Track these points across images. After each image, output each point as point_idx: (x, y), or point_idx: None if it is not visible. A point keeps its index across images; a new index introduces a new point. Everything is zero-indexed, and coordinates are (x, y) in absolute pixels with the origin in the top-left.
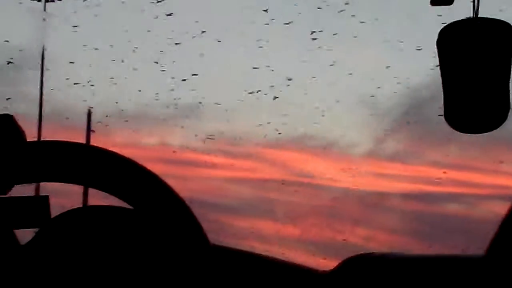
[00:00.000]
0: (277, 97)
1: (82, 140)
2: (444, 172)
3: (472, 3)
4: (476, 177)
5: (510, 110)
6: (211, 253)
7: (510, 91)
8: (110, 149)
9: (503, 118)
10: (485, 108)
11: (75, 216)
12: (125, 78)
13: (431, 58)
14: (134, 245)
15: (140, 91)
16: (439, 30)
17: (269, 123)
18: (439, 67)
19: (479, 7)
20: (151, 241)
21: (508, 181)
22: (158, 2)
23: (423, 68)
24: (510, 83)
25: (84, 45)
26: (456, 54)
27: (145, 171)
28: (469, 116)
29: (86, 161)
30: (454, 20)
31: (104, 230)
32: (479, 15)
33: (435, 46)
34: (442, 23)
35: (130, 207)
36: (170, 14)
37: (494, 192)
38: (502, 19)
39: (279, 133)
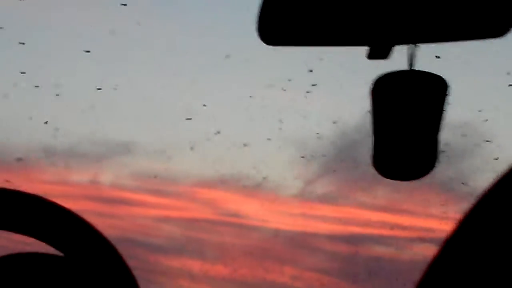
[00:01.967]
0: (208, 138)
1: None
2: (373, 214)
3: (407, 55)
4: (405, 219)
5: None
6: None
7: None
8: (40, 186)
9: (430, 167)
10: (413, 156)
11: (5, 264)
12: (56, 114)
13: (362, 101)
14: None
15: (68, 127)
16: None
17: (199, 162)
18: (371, 115)
19: (414, 59)
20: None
21: (436, 224)
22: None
23: (354, 110)
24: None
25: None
26: (389, 104)
27: (74, 216)
28: (397, 164)
29: (14, 208)
30: (389, 71)
31: (34, 278)
32: (413, 67)
33: (368, 92)
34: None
35: (61, 253)
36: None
37: (422, 234)
38: (436, 73)
39: (210, 172)
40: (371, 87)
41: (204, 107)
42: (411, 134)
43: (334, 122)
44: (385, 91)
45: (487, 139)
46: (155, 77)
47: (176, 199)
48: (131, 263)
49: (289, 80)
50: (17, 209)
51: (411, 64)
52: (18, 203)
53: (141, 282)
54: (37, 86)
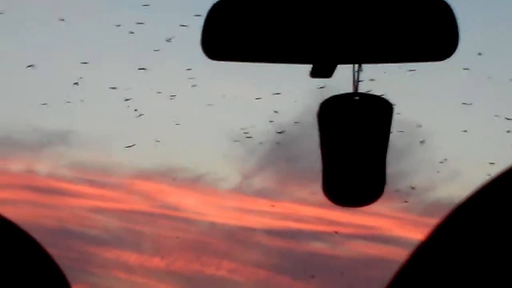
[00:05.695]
0: (148, 128)
1: None
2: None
3: (352, 78)
4: (342, 216)
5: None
6: None
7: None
8: None
9: (380, 192)
10: (363, 182)
11: None
12: None
13: (303, 99)
14: None
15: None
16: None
17: (137, 154)
18: (319, 139)
19: (359, 82)
20: None
21: (373, 221)
22: None
23: (294, 106)
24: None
25: None
26: (336, 129)
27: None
28: (348, 190)
29: None
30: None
31: None
32: (358, 90)
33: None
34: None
35: None
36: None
37: (359, 231)
38: (381, 95)
39: (148, 165)
40: (318, 111)
41: (144, 99)
42: (359, 158)
43: (273, 117)
44: (331, 115)
45: (422, 140)
46: (92, 65)
47: (113, 190)
48: (66, 254)
49: (231, 75)
50: None
51: (356, 86)
52: None
53: (76, 273)
54: None
